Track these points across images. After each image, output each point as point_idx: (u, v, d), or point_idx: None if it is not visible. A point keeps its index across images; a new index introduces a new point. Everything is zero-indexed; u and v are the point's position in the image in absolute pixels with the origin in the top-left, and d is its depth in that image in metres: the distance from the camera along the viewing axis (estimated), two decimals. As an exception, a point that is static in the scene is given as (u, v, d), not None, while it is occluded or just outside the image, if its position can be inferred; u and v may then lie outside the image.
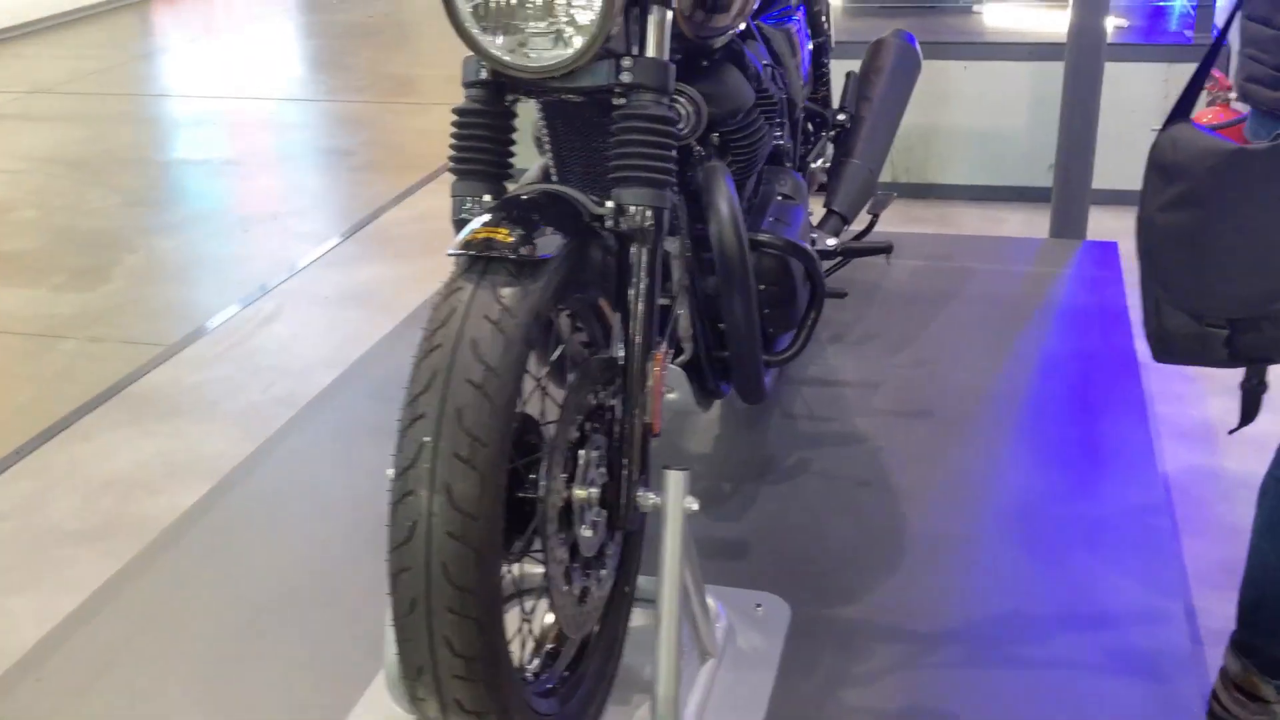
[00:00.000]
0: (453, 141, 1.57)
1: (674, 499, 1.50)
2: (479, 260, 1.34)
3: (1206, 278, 1.66)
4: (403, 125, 6.44)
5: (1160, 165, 1.69)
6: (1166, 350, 1.78)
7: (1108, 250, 3.29)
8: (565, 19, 1.42)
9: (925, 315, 2.89)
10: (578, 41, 1.42)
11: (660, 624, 1.49)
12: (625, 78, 1.48)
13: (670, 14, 1.52)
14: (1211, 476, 2.79)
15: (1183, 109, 1.69)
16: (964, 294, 3.02)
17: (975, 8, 5.39)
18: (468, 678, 1.27)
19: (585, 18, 1.41)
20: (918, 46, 2.84)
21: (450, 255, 1.37)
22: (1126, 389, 2.53)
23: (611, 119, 1.51)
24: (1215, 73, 4.25)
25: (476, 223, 1.41)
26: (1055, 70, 4.68)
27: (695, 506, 1.50)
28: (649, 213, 1.49)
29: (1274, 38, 1.64)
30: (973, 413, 2.45)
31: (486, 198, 1.54)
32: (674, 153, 1.52)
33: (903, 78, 2.76)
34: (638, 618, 1.71)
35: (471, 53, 1.53)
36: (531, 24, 1.43)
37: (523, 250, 1.34)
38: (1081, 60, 3.26)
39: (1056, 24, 5.00)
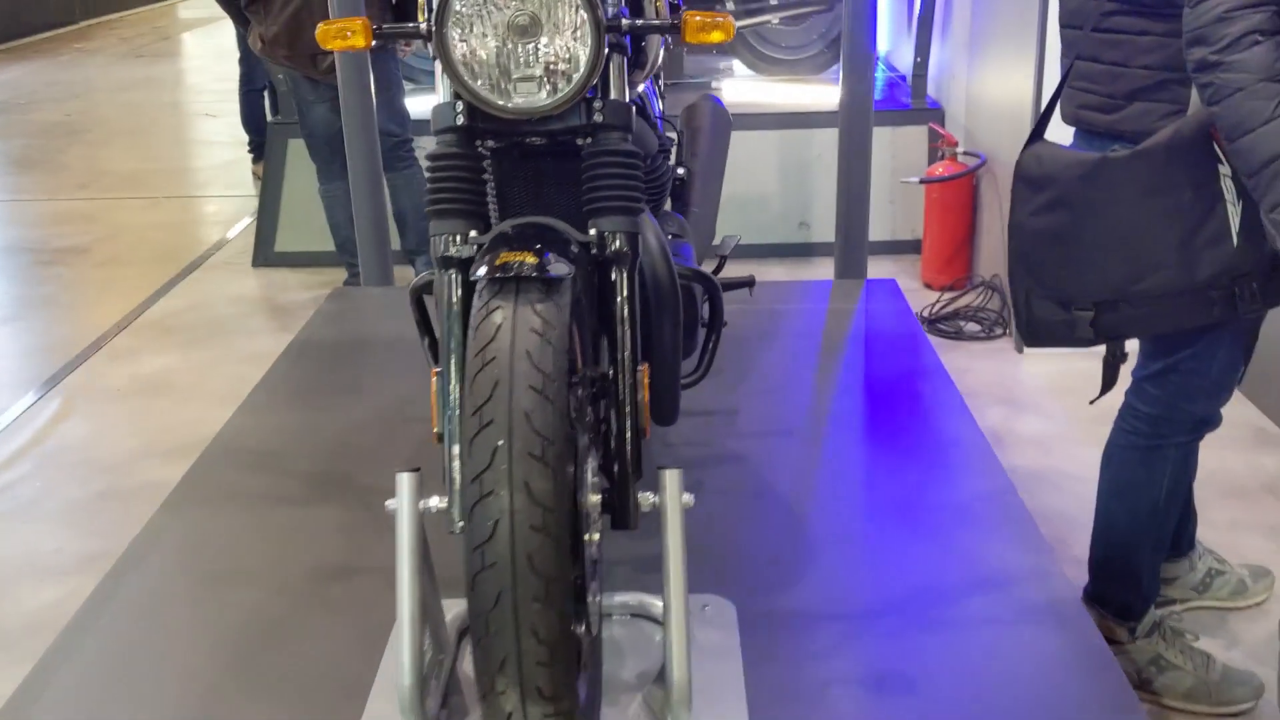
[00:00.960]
0: (431, 184, 1.66)
1: (672, 495, 1.63)
2: (510, 281, 1.45)
3: (1075, 268, 1.97)
4: (137, 221, 6.23)
5: (1027, 178, 2.00)
6: (1035, 336, 2.08)
7: (890, 285, 3.66)
8: (555, 66, 1.55)
9: (755, 351, 3.14)
10: (564, 87, 1.56)
11: (670, 613, 1.61)
12: (596, 118, 1.63)
13: (626, 60, 1.69)
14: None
15: (1038, 133, 2.01)
16: (781, 330, 3.29)
17: (714, 84, 5.83)
18: (549, 664, 1.36)
19: (573, 66, 1.55)
20: (725, 107, 3.12)
21: (478, 279, 1.47)
22: (947, 397, 2.85)
23: (581, 156, 1.66)
24: (943, 132, 4.81)
25: (487, 250, 1.52)
26: (797, 137, 5.17)
27: (691, 501, 1.65)
28: (626, 238, 1.64)
29: (1104, 71, 1.97)
30: (828, 429, 2.69)
31: (474, 234, 1.64)
32: (641, 184, 1.68)
33: (721, 135, 3.03)
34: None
35: (444, 100, 1.64)
36: (519, 70, 1.56)
37: (549, 270, 1.46)
38: (853, 124, 3.59)
39: (792, 96, 5.51)
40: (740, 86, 5.82)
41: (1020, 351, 4.10)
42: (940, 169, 4.64)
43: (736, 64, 6.09)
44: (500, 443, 1.34)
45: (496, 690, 1.38)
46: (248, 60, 6.63)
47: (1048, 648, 1.93)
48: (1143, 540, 2.26)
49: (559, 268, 1.48)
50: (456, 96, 1.62)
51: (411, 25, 1.62)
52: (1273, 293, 1.87)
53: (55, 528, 3.06)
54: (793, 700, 1.81)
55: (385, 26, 1.65)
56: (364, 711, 1.75)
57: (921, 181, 4.55)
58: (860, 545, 2.23)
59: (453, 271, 1.64)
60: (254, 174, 6.96)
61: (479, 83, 1.56)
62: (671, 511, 1.63)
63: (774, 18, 5.61)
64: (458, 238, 1.64)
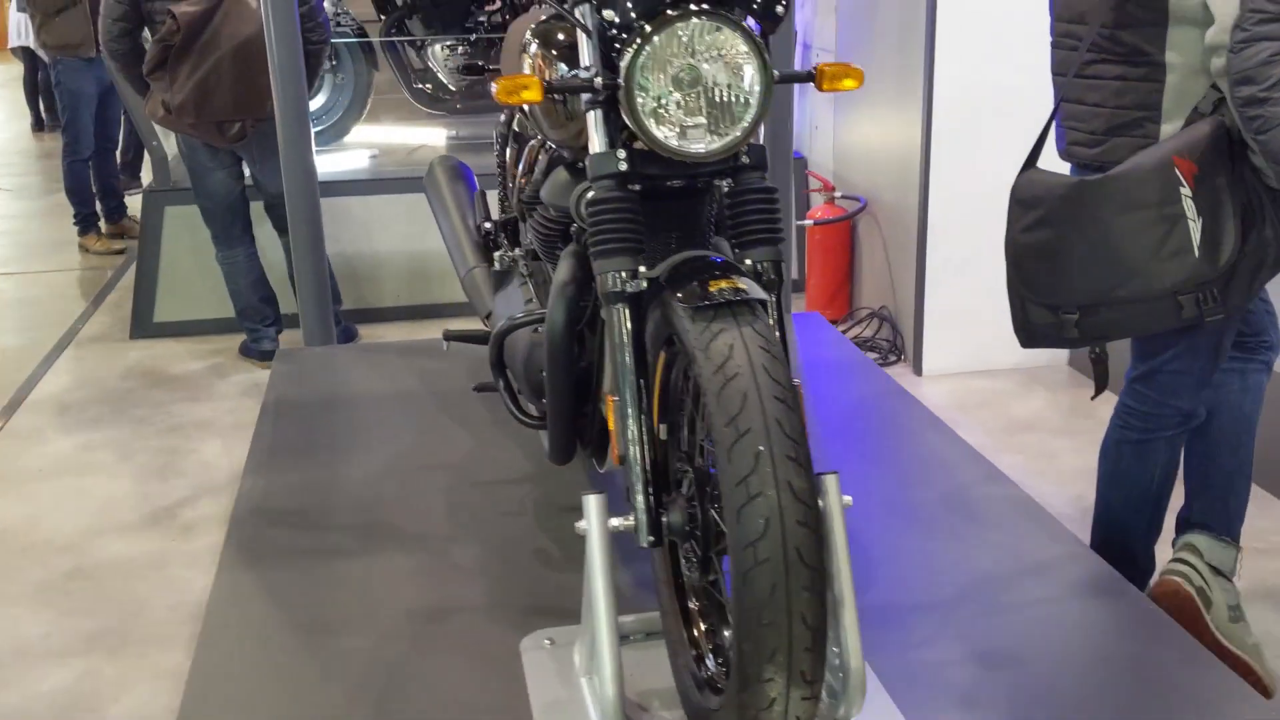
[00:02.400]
0: (596, 227, 1.78)
1: (834, 498, 1.77)
2: (724, 306, 1.58)
3: (1061, 277, 2.24)
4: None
5: (1020, 199, 2.27)
6: (1032, 338, 2.35)
7: (816, 319, 3.92)
8: (723, 114, 1.70)
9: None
10: (732, 132, 1.71)
11: (843, 606, 1.74)
12: (744, 160, 1.79)
13: None
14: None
15: (1031, 161, 2.29)
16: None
17: (372, 153, 5.98)
18: (813, 649, 1.49)
19: (743, 113, 1.71)
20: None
21: (700, 307, 1.59)
22: (917, 412, 3.11)
23: (729, 194, 1.81)
24: (819, 178, 5.15)
25: (674, 281, 1.65)
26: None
27: (850, 502, 1.80)
28: (774, 267, 1.79)
29: (1087, 111, 2.26)
30: (826, 445, 2.90)
31: (642, 269, 1.76)
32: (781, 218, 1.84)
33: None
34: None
35: (600, 150, 1.77)
36: (693, 119, 1.70)
37: (755, 294, 1.61)
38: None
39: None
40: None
41: (919, 375, 4.44)
42: (819, 211, 4.97)
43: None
44: (761, 448, 1.47)
45: (763, 679, 1.49)
46: (74, 128, 6.40)
47: (1101, 618, 2.19)
48: (1138, 524, 2.55)
49: (757, 291, 1.63)
50: (624, 144, 1.75)
51: (582, 79, 1.74)
52: (1232, 299, 2.18)
53: (32, 611, 2.93)
54: (912, 685, 1.98)
55: (555, 81, 1.76)
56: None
57: (816, 223, 4.87)
58: (903, 549, 2.43)
59: (622, 306, 1.76)
60: (83, 246, 6.69)
61: (661, 132, 1.69)
62: (835, 513, 1.78)
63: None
64: (624, 274, 1.76)
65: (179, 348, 4.92)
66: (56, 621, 2.87)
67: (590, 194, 1.80)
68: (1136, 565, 2.58)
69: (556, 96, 1.92)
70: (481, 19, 5.91)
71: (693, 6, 1.66)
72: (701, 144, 1.71)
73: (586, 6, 1.80)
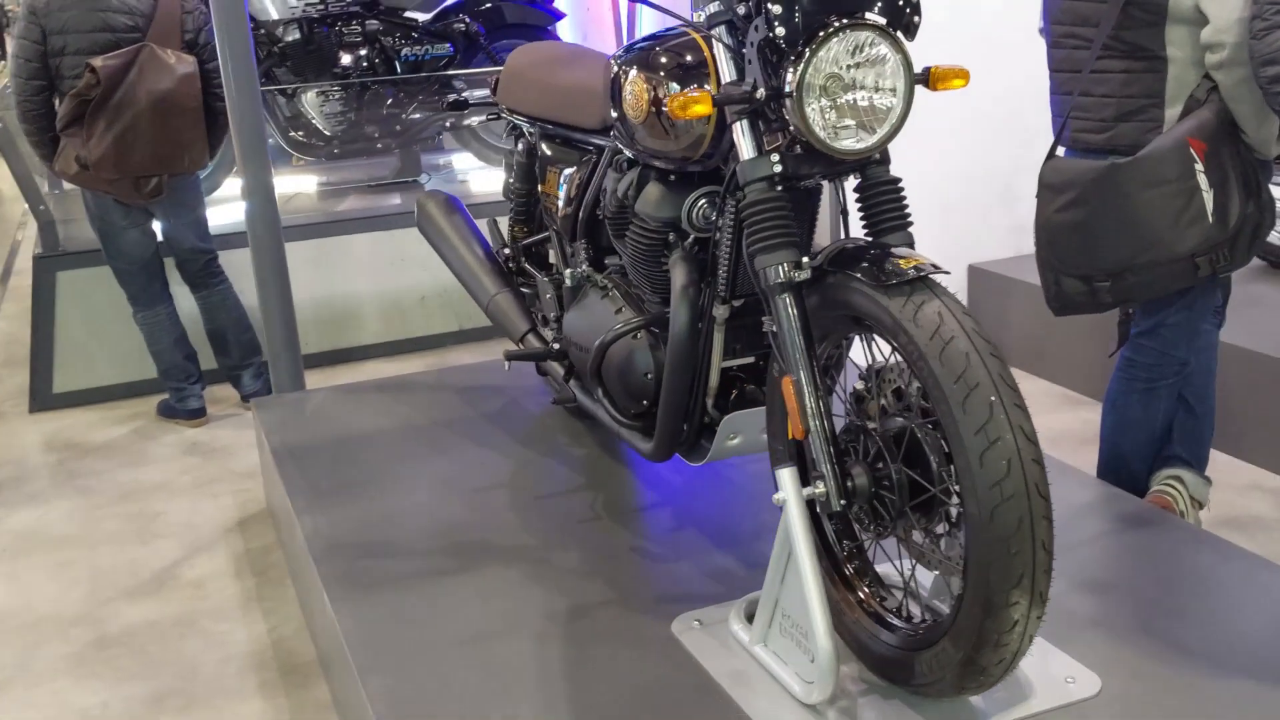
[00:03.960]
0: (759, 223, 1.94)
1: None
2: (928, 280, 1.77)
3: (1093, 250, 2.54)
4: None
5: (1050, 184, 2.57)
6: (1065, 307, 2.64)
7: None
8: (873, 115, 1.90)
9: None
10: (881, 131, 1.91)
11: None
12: (875, 155, 1.99)
13: None
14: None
15: (1051, 153, 2.59)
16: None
17: (461, 177, 6.11)
18: (1048, 570, 1.69)
19: (891, 114, 1.90)
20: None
21: (895, 284, 1.77)
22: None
23: (860, 185, 2.00)
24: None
25: (854, 263, 1.83)
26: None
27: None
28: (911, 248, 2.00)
29: (1095, 102, 2.57)
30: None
31: (805, 260, 1.93)
32: (908, 205, 2.05)
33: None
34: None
35: (751, 157, 1.93)
36: (850, 120, 1.89)
37: (940, 269, 1.80)
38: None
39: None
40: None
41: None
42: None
43: (468, 156, 6.39)
44: (993, 398, 1.67)
45: (1009, 603, 1.68)
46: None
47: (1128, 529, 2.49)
48: (1143, 463, 2.87)
49: (939, 265, 1.82)
50: (786, 148, 1.92)
51: (743, 91, 1.91)
52: (1239, 256, 2.54)
53: (77, 683, 2.82)
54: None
55: (719, 95, 1.91)
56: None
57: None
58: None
59: (789, 294, 1.92)
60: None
61: (825, 133, 1.87)
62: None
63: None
64: (786, 265, 1.93)
65: (89, 416, 4.73)
66: (109, 690, 2.78)
67: (746, 196, 1.96)
68: (1141, 493, 2.90)
69: (661, 109, 2.09)
70: (349, 64, 5.94)
71: (849, 20, 1.84)
72: (859, 142, 1.90)
73: (723, 28, 1.98)
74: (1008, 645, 1.73)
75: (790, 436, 1.95)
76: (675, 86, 2.13)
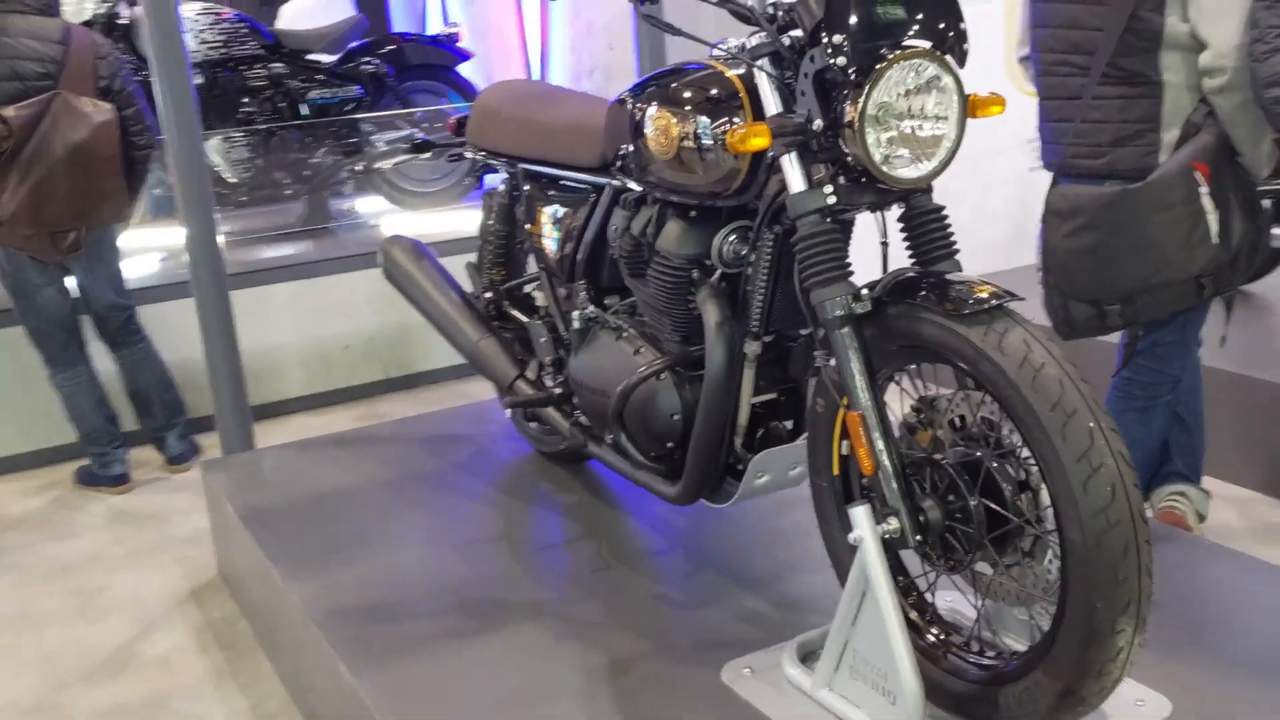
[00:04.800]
0: (813, 257, 1.90)
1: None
2: (1004, 309, 1.75)
3: (1104, 274, 2.57)
4: None
5: (1057, 211, 2.60)
6: (1074, 331, 2.67)
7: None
8: (932, 142, 1.88)
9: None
10: (941, 156, 1.89)
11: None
12: (920, 184, 1.97)
13: None
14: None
15: (1056, 182, 2.62)
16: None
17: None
18: (1150, 596, 1.67)
19: (945, 144, 1.89)
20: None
21: (966, 312, 1.74)
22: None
23: (905, 214, 1.98)
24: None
25: (925, 294, 1.80)
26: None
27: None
28: None
29: (1091, 128, 2.60)
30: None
31: (865, 291, 1.90)
32: (949, 234, 2.03)
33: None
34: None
35: (801, 190, 1.89)
36: (906, 149, 1.87)
37: (1013, 296, 1.79)
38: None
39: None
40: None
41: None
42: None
43: (379, 199, 6.23)
44: (1091, 424, 1.65)
45: (1116, 631, 1.66)
46: None
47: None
48: (1143, 479, 2.91)
49: (1014, 292, 1.81)
50: (832, 179, 1.89)
51: (797, 123, 1.87)
52: (1239, 275, 2.61)
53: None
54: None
55: (776, 127, 1.87)
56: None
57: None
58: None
59: (850, 328, 1.89)
60: None
61: (884, 163, 1.85)
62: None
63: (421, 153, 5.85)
64: (845, 298, 1.89)
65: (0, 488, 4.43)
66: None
67: (800, 229, 1.92)
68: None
69: (694, 144, 2.06)
70: (252, 109, 5.74)
71: (908, 49, 1.82)
72: (915, 171, 1.88)
73: (767, 60, 1.94)
74: (1110, 674, 1.71)
75: (862, 473, 1.91)
76: (705, 121, 2.08)
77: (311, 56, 5.88)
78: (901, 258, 1.99)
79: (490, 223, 3.01)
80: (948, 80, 1.85)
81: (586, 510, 2.91)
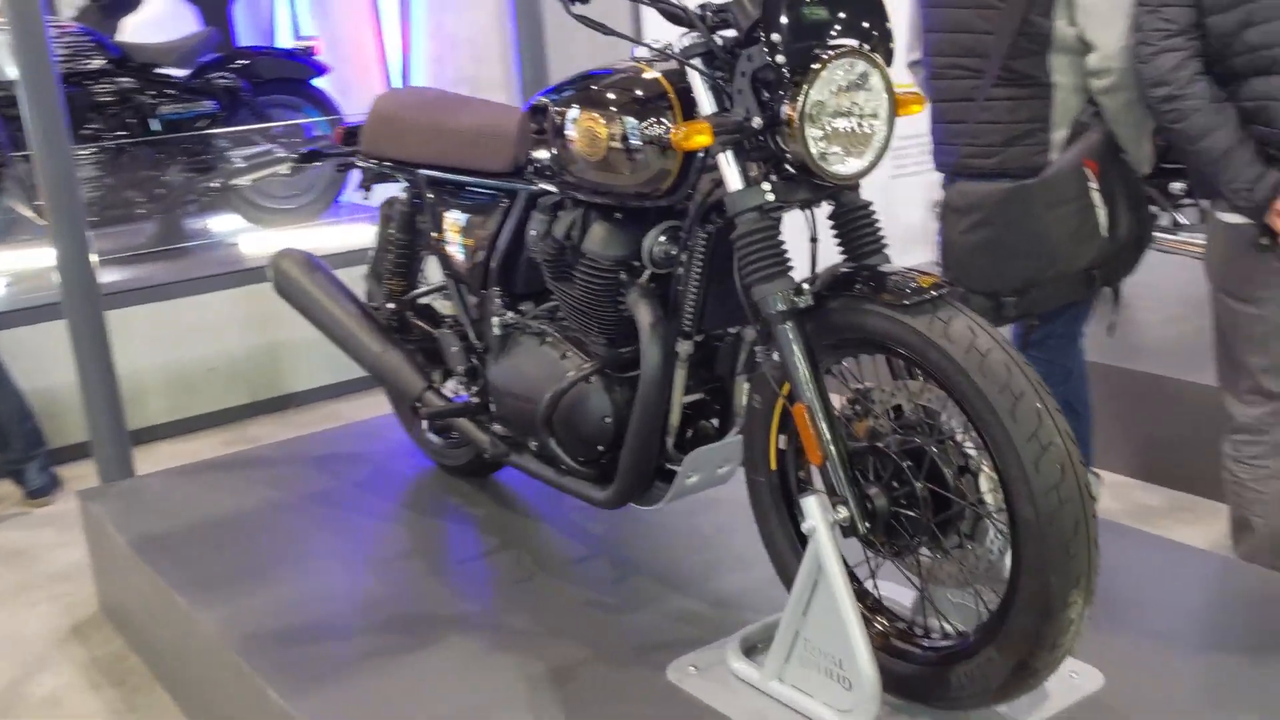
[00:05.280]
0: (753, 253, 1.92)
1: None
2: (945, 298, 1.80)
3: (1002, 268, 2.67)
4: None
5: (956, 208, 2.69)
6: None
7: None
8: (859, 141, 1.92)
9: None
10: (870, 156, 1.93)
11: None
12: (854, 180, 2.01)
13: None
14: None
15: (951, 181, 2.71)
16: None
17: (231, 240, 5.76)
18: (1098, 567, 1.74)
19: (877, 140, 1.93)
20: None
21: (910, 303, 1.79)
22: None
23: (836, 211, 2.02)
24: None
25: (866, 288, 1.85)
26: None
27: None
28: None
29: (983, 129, 2.68)
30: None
31: (805, 286, 1.93)
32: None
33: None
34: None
35: (740, 189, 1.92)
36: (841, 146, 1.91)
37: (955, 284, 1.84)
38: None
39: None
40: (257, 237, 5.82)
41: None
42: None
43: (236, 217, 6.02)
44: (1039, 405, 1.71)
45: (1069, 604, 1.72)
46: None
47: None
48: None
49: (952, 283, 1.86)
50: (765, 176, 1.92)
51: (735, 121, 1.89)
52: (1125, 267, 2.74)
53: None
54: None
55: (718, 124, 1.88)
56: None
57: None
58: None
59: (793, 323, 1.91)
60: None
61: (822, 160, 1.88)
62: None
63: (282, 168, 5.71)
64: (790, 293, 1.92)
65: None
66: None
67: (738, 227, 1.94)
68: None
69: (622, 146, 2.07)
70: (99, 126, 5.50)
71: (842, 47, 1.86)
72: (850, 167, 1.92)
73: (700, 59, 1.96)
74: (1062, 645, 1.77)
75: (811, 463, 1.93)
76: (634, 122, 2.08)
77: (161, 71, 5.66)
78: (830, 255, 2.04)
79: (391, 232, 2.94)
80: (879, 78, 1.90)
81: (499, 522, 2.87)
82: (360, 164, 3.01)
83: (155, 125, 5.53)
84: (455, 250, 2.69)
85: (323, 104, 6.03)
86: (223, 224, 6.01)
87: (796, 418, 1.92)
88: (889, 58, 1.95)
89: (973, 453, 1.86)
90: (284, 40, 7.06)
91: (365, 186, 3.10)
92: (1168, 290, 4.20)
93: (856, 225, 2.03)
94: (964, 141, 2.75)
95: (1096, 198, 2.57)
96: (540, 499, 2.97)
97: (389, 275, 2.98)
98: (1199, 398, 3.55)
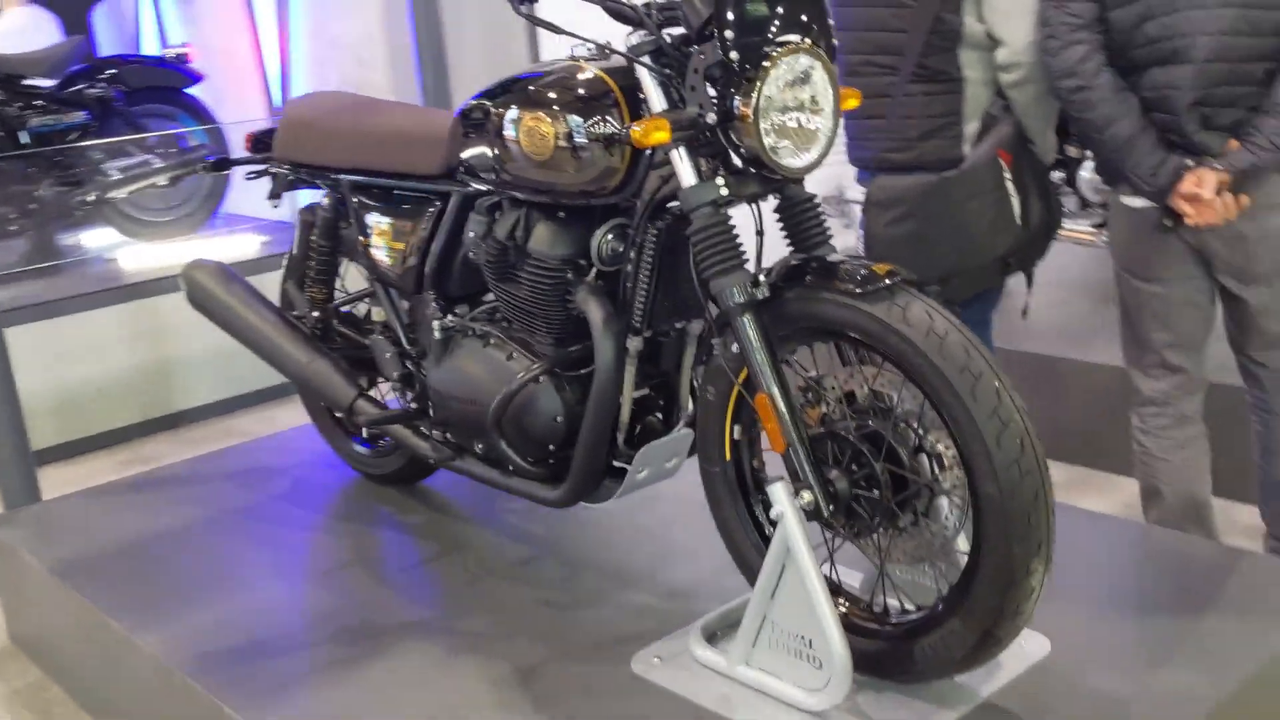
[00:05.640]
0: (710, 247, 1.96)
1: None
2: (900, 285, 1.87)
3: (923, 259, 2.76)
4: None
5: (878, 202, 2.77)
6: None
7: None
8: (815, 134, 1.98)
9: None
10: (818, 150, 1.99)
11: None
12: (804, 174, 2.07)
13: None
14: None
15: (873, 175, 2.80)
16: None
17: (109, 255, 5.57)
18: (1054, 534, 1.83)
19: (824, 135, 1.99)
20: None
21: (868, 290, 1.85)
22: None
23: (782, 205, 2.08)
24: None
25: (819, 278, 1.91)
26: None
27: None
28: None
29: (899, 123, 2.76)
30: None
31: (761, 277, 1.97)
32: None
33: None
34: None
35: (693, 184, 1.96)
36: (793, 140, 1.96)
37: (907, 274, 1.91)
38: None
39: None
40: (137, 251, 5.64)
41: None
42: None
43: (111, 232, 5.82)
44: (996, 384, 1.78)
45: (1030, 572, 1.80)
46: None
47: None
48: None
49: (902, 270, 1.93)
50: (714, 171, 1.97)
51: (690, 117, 1.93)
52: (1035, 254, 2.87)
53: None
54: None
55: (674, 120, 1.91)
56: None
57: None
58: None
59: (751, 314, 1.96)
60: None
61: (775, 153, 1.93)
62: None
63: (160, 179, 5.54)
64: (748, 285, 1.96)
65: None
66: None
67: (694, 222, 1.98)
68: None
69: (568, 144, 2.09)
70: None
71: (792, 43, 1.92)
72: (800, 160, 1.98)
73: (649, 57, 1.99)
74: (1024, 613, 1.85)
75: (774, 450, 1.98)
76: (581, 120, 2.10)
77: (29, 82, 5.44)
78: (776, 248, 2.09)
79: (314, 239, 2.90)
80: (825, 73, 1.96)
81: (436, 528, 2.86)
82: (275, 170, 2.96)
83: (24, 138, 5.32)
84: (385, 255, 2.67)
85: (199, 113, 5.88)
86: (99, 239, 5.81)
87: (759, 407, 1.97)
88: (831, 53, 2.02)
89: (925, 433, 1.94)
90: (150, 48, 6.85)
91: (275, 194, 3.04)
92: (1054, 277, 4.38)
93: (803, 218, 2.09)
94: (882, 137, 2.83)
95: (1011, 188, 2.68)
96: (473, 503, 2.96)
97: (311, 283, 2.93)
98: (1094, 377, 3.73)
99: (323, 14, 5.62)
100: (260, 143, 3.02)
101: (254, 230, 5.75)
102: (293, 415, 4.95)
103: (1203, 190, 2.48)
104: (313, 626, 2.44)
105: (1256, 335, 2.72)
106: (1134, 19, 2.52)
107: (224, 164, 3.09)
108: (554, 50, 4.44)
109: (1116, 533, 2.65)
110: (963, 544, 1.93)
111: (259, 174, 3.04)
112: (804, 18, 1.96)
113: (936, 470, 1.93)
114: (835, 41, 2.03)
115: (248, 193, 6.32)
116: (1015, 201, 2.70)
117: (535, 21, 2.04)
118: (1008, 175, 2.67)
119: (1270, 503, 2.91)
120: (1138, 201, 2.67)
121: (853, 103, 2.10)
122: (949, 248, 2.74)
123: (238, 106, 6.10)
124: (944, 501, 1.96)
